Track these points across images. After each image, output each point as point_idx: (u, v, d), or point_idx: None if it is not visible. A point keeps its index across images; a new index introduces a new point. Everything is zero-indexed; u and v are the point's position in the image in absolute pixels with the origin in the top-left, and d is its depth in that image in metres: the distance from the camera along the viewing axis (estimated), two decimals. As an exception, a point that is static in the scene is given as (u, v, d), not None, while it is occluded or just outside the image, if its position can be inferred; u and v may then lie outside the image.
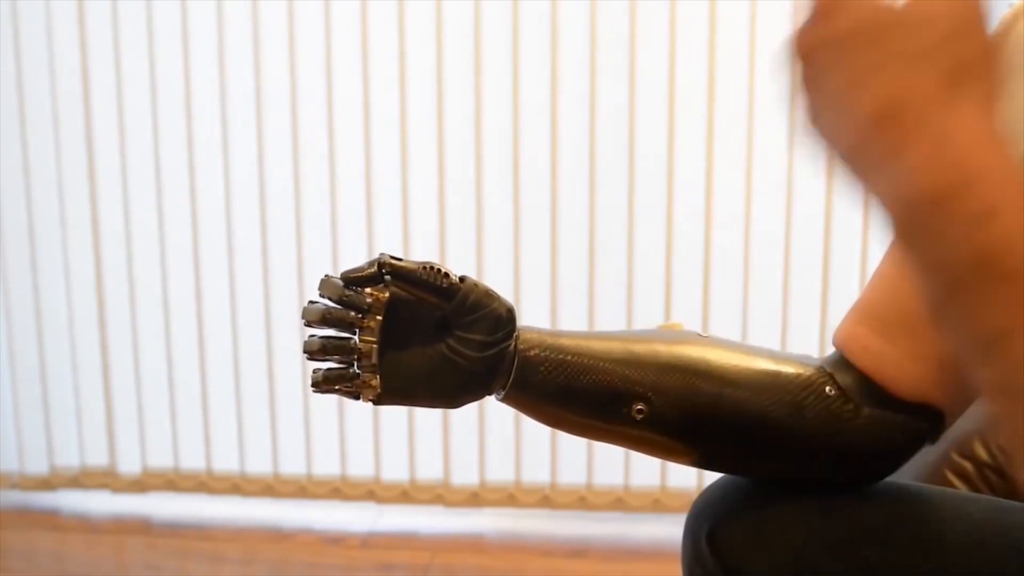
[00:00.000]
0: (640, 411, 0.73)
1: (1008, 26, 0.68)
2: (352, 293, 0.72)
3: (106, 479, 2.30)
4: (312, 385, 0.73)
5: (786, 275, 2.09)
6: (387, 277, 0.71)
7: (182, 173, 2.18)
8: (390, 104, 2.11)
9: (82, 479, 2.31)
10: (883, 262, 0.77)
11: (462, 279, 0.72)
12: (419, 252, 2.15)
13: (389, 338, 0.72)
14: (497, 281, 2.12)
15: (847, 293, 2.06)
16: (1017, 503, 0.77)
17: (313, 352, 0.73)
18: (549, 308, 2.13)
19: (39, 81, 2.18)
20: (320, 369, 0.73)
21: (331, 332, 0.73)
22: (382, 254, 0.72)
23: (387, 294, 0.72)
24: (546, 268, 2.12)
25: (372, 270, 0.71)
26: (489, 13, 2.05)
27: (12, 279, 2.26)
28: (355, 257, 2.14)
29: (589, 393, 0.74)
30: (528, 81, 2.07)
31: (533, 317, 2.10)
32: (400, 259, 0.72)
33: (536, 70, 2.06)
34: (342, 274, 0.72)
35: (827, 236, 2.06)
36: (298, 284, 2.17)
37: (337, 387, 0.73)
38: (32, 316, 2.27)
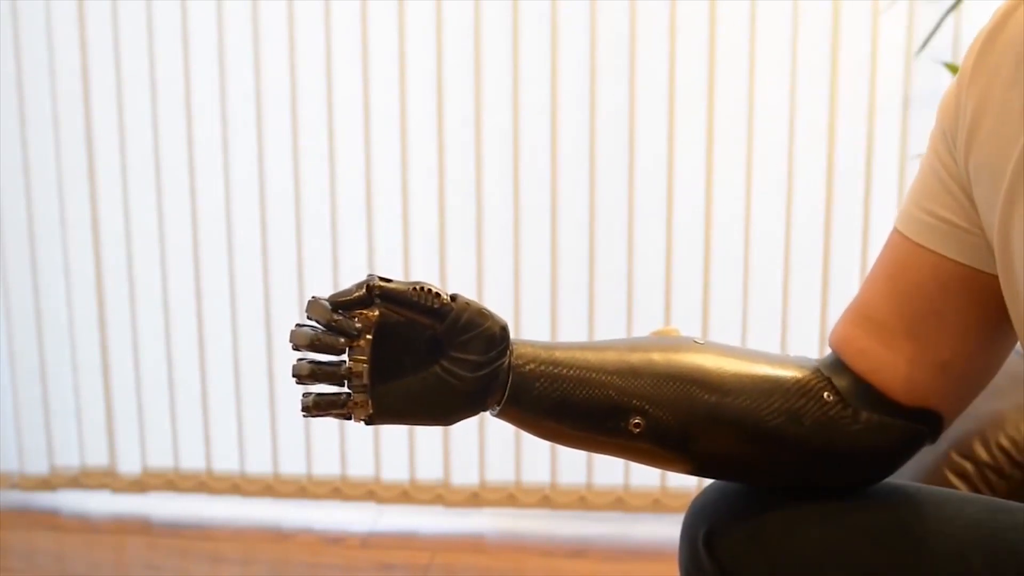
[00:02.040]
0: (637, 424, 0.73)
1: (1000, 22, 0.67)
2: (341, 318, 0.69)
3: (106, 479, 2.30)
4: (303, 410, 0.71)
5: (786, 275, 2.08)
6: (377, 299, 0.69)
7: (182, 173, 2.18)
8: (390, 104, 2.11)
9: (82, 479, 2.31)
10: (878, 264, 0.77)
11: (453, 298, 0.70)
12: (419, 252, 2.14)
13: (380, 357, 0.71)
14: (497, 282, 2.12)
15: (847, 293, 2.06)
16: (1015, 503, 0.77)
17: (303, 377, 0.71)
18: (549, 309, 2.13)
19: (39, 81, 2.18)
20: (311, 394, 0.71)
21: (321, 356, 0.72)
22: (371, 276, 0.70)
23: (377, 313, 0.70)
24: (546, 269, 2.12)
25: (361, 293, 0.69)
26: (489, 13, 2.05)
27: (12, 279, 2.26)
28: (355, 257, 2.14)
29: (585, 407, 0.73)
30: (528, 81, 2.06)
31: (533, 319, 2.10)
32: (390, 280, 0.70)
33: (536, 70, 2.06)
34: (330, 297, 0.69)
35: (827, 236, 2.06)
36: (298, 284, 2.17)
37: (328, 412, 0.71)
38: (32, 316, 2.27)
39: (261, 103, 2.13)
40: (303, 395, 0.72)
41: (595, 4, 2.03)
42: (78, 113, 2.18)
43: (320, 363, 0.71)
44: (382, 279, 0.70)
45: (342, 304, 0.69)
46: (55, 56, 2.17)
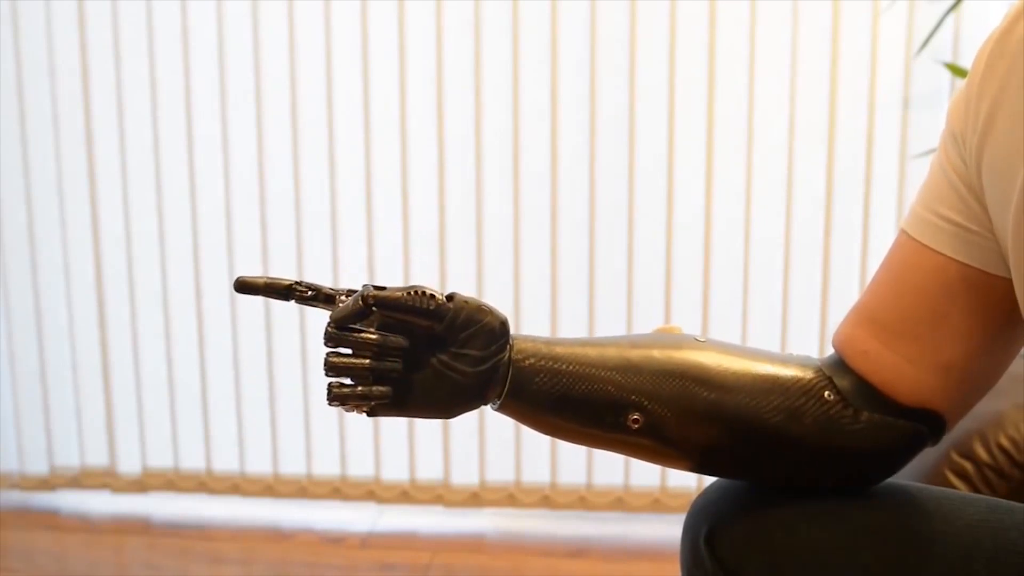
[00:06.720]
0: (636, 420, 0.73)
1: (1012, 24, 0.66)
2: (346, 334, 0.70)
3: (106, 479, 2.30)
4: (334, 400, 0.71)
5: (786, 275, 2.09)
6: (373, 309, 0.70)
7: (182, 173, 2.18)
8: (390, 104, 2.11)
9: (82, 479, 2.31)
10: (883, 266, 0.77)
11: (450, 297, 0.71)
12: (419, 252, 2.14)
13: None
14: (497, 282, 2.12)
15: (847, 293, 2.06)
16: (1015, 504, 0.77)
17: (337, 369, 0.71)
18: (549, 309, 2.13)
19: (39, 81, 2.18)
20: (342, 385, 0.72)
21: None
22: (365, 286, 0.70)
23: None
24: (546, 269, 2.12)
25: (359, 306, 0.69)
26: (489, 13, 2.05)
27: (12, 279, 2.26)
28: (355, 257, 2.14)
29: (585, 402, 0.73)
30: (528, 81, 2.06)
31: (533, 318, 2.10)
32: (383, 288, 0.70)
33: (536, 70, 2.06)
34: (331, 316, 0.70)
35: (827, 236, 2.06)
36: (298, 284, 2.17)
37: (357, 406, 0.72)
38: (32, 316, 2.27)
39: (261, 103, 2.13)
40: (334, 386, 0.71)
41: (595, 4, 2.03)
42: (78, 113, 2.18)
43: (345, 356, 0.71)
44: (376, 287, 0.70)
45: (343, 321, 0.70)
46: (55, 56, 2.17)
